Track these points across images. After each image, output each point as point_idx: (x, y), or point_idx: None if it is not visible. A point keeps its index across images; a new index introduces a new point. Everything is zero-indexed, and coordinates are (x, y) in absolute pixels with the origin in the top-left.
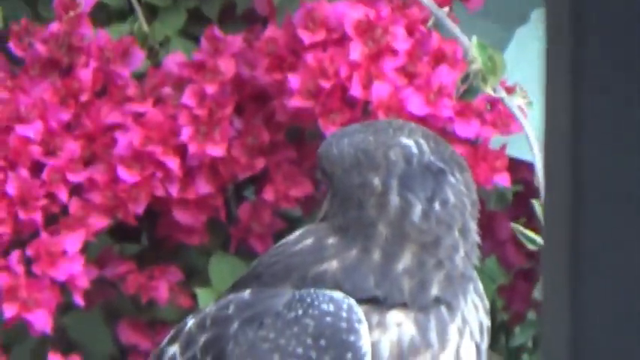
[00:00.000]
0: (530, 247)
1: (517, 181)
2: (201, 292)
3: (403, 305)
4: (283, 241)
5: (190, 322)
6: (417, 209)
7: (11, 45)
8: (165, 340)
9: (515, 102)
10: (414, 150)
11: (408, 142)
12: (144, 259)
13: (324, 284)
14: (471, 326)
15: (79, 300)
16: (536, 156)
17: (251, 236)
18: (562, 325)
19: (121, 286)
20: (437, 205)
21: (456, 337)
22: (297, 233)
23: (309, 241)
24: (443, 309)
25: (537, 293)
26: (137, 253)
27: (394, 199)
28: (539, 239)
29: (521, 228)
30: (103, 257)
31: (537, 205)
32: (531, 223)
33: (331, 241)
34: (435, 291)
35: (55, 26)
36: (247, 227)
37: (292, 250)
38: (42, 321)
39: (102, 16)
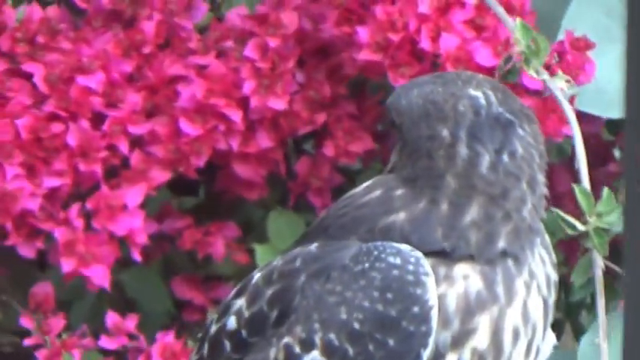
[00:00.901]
0: (570, 232)
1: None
2: (259, 248)
3: (470, 258)
4: (351, 192)
5: (257, 275)
6: (485, 160)
7: None
8: (232, 293)
9: (557, 84)
10: (482, 102)
11: (477, 93)
12: (201, 214)
13: (392, 236)
14: (539, 280)
15: (137, 256)
16: (575, 134)
17: (310, 191)
18: None
19: (177, 241)
20: (505, 157)
21: (523, 290)
22: (365, 185)
23: (377, 193)
24: (510, 262)
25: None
26: (194, 208)
27: (462, 151)
28: (578, 225)
29: (561, 213)
30: (161, 212)
31: (578, 191)
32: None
33: (399, 192)
34: (502, 244)
35: None
36: (306, 182)
37: (360, 202)
38: (100, 276)
39: None
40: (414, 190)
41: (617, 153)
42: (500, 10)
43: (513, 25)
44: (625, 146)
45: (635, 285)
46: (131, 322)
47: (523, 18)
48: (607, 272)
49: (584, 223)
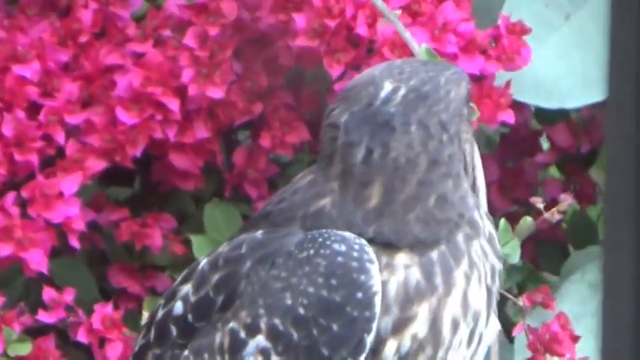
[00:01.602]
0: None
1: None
2: (195, 239)
3: (406, 246)
4: (292, 181)
5: (203, 261)
6: (359, 151)
7: None
8: (179, 279)
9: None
10: (383, 94)
11: (389, 85)
12: (136, 205)
13: (322, 221)
14: (480, 270)
15: (74, 243)
16: (478, 169)
17: (246, 182)
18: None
19: (114, 232)
20: (375, 154)
21: (463, 281)
22: (302, 173)
23: (308, 178)
24: (447, 254)
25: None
26: (130, 198)
27: (341, 136)
28: None
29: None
30: (95, 202)
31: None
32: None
33: (321, 176)
34: (414, 230)
35: None
36: (242, 173)
37: (294, 188)
38: (37, 261)
39: None
40: (327, 173)
41: (545, 144)
42: (408, 35)
43: (418, 50)
44: (607, 130)
45: (613, 273)
46: (69, 296)
47: (460, 7)
48: (502, 300)
49: None
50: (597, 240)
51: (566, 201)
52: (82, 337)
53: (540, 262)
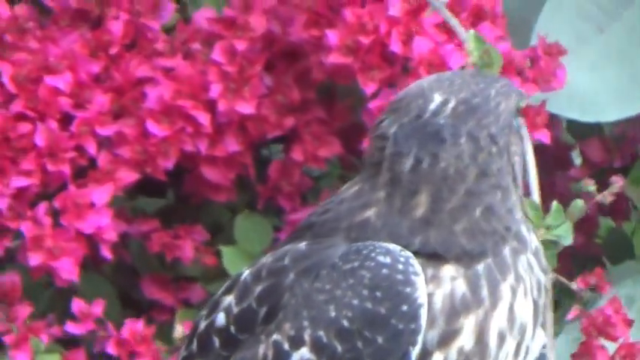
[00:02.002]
0: None
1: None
2: (226, 251)
3: (453, 258)
4: (339, 191)
5: (246, 272)
6: (408, 161)
7: None
8: (221, 290)
9: None
10: (432, 107)
11: (439, 98)
12: (169, 217)
13: (366, 231)
14: (526, 284)
15: (106, 253)
16: (526, 147)
17: (279, 195)
18: None
19: (146, 243)
20: (425, 164)
21: (509, 294)
22: (348, 183)
23: (355, 188)
24: (493, 267)
25: None
26: (162, 210)
27: (389, 146)
28: None
29: None
30: (123, 213)
31: (527, 204)
32: None
33: (367, 186)
34: (461, 241)
35: None
36: (276, 186)
37: (340, 198)
38: (68, 270)
39: None
40: (374, 182)
41: (577, 159)
42: (455, 22)
43: (466, 35)
44: None
45: None
46: (97, 308)
47: (494, 22)
48: (555, 284)
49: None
50: (632, 255)
51: (618, 183)
52: (111, 349)
53: (576, 277)
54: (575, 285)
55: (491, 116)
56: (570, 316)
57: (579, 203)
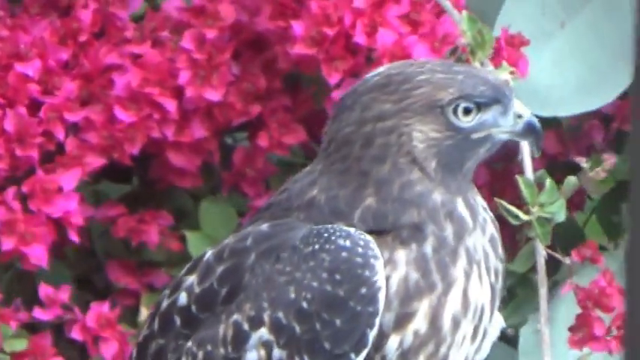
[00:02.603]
0: (514, 222)
1: None
2: (191, 236)
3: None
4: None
5: (209, 252)
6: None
7: None
8: (184, 270)
9: (502, 76)
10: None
11: (375, 77)
12: (134, 202)
13: (313, 210)
14: (481, 269)
15: (74, 237)
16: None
17: (243, 181)
18: None
19: (111, 228)
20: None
21: (462, 279)
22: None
23: (309, 167)
24: (443, 253)
25: None
26: (127, 195)
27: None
28: (521, 215)
29: (504, 203)
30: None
31: (521, 182)
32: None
33: (319, 166)
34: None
35: None
36: (240, 172)
37: (296, 177)
38: (38, 255)
39: None
40: (320, 156)
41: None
42: (447, 4)
43: (459, 17)
44: (632, 123)
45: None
46: (64, 294)
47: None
48: (548, 260)
49: (527, 213)
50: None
51: (610, 160)
52: (76, 334)
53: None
54: (568, 260)
55: (395, 95)
56: (564, 290)
57: (572, 180)
